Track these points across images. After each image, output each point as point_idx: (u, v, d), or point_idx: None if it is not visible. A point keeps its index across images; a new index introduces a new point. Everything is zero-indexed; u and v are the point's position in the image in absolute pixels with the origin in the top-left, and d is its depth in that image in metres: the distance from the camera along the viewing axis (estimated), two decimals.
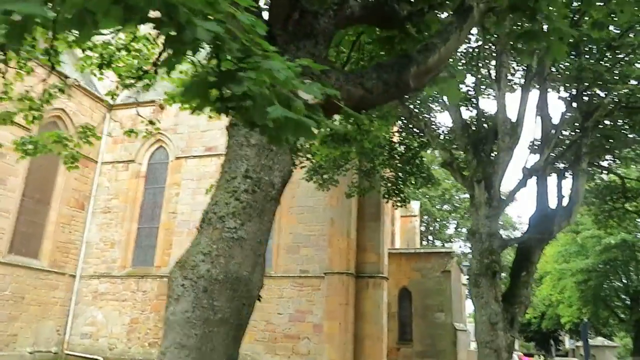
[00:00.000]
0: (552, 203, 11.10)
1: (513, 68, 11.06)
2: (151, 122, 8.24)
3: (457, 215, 33.42)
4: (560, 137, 12.30)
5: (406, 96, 10.65)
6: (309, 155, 10.79)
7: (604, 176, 15.35)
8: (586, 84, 9.72)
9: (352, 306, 16.19)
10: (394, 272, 19.25)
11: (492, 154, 10.48)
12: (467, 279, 10.58)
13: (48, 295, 18.42)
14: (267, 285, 14.39)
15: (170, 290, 3.51)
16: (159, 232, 19.44)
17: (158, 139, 20.43)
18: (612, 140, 11.74)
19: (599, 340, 17.52)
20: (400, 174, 13.70)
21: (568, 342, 50.90)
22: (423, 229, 35.98)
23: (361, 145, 8.23)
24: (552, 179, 11.94)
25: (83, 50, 6.84)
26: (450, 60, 4.84)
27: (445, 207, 33.75)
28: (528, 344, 62.83)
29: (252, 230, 3.48)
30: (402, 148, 14.70)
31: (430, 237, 34.95)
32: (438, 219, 33.65)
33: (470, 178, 10.39)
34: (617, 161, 14.08)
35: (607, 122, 11.36)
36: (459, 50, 12.75)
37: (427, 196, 31.21)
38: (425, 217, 33.85)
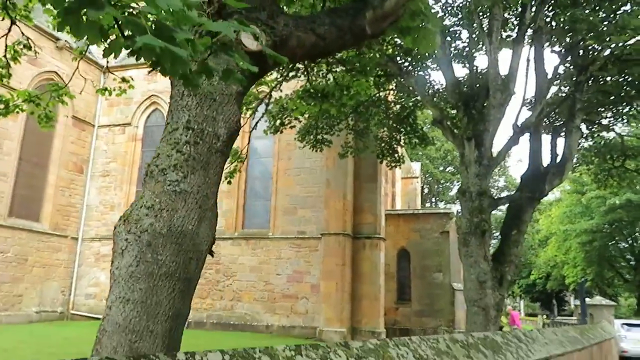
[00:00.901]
0: (546, 161, 10.89)
1: (506, 21, 10.65)
2: (124, 80, 8.05)
3: (457, 178, 33.18)
4: (554, 93, 12.00)
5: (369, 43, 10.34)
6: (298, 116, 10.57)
7: (605, 134, 15.01)
8: (580, 36, 9.34)
9: (349, 266, 16.28)
10: (393, 233, 19.27)
11: (483, 111, 10.21)
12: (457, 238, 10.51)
13: (51, 258, 18.71)
14: (265, 246, 14.59)
15: (114, 245, 3.45)
16: None
17: (153, 102, 20.27)
18: (611, 97, 11.37)
19: (597, 299, 17.53)
20: (394, 133, 13.47)
21: (573, 302, 51.34)
22: (426, 191, 35.89)
23: (341, 101, 8.02)
24: (547, 137, 11.69)
25: None
26: (425, 6, 4.57)
27: (449, 168, 33.46)
28: (534, 305, 63.56)
29: (196, 183, 3.38)
30: (398, 107, 14.45)
31: (433, 199, 34.85)
32: (441, 181, 33.44)
33: (461, 136, 10.18)
34: (617, 118, 13.73)
35: (604, 77, 11.00)
36: (455, 2, 12.36)
37: (429, 157, 30.92)
38: (429, 178, 33.70)
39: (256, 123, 9.44)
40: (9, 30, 5.83)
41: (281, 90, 9.83)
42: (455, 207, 23.98)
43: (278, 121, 11.28)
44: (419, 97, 12.94)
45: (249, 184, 18.78)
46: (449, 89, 10.84)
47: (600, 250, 37.57)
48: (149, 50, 1.65)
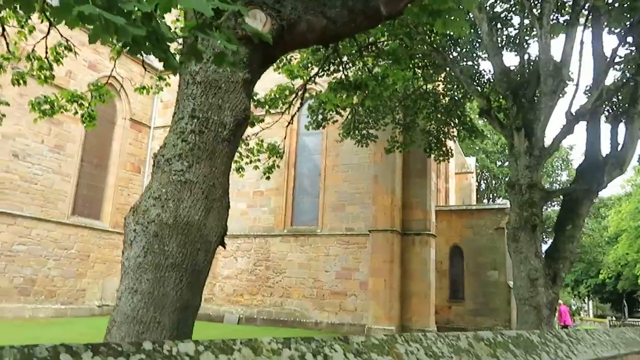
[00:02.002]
0: (606, 152, 10.15)
1: (559, 3, 10.01)
2: (161, 78, 8.21)
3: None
4: (617, 79, 11.19)
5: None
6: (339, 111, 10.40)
7: None
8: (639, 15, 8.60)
9: (398, 263, 15.96)
10: (445, 229, 18.73)
11: (534, 100, 9.65)
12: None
13: (112, 254, 19.57)
14: (313, 243, 14.58)
15: (125, 236, 3.46)
16: None
17: None
18: None
19: None
20: (442, 126, 13.03)
21: None
22: (483, 186, 34.68)
23: (375, 93, 7.78)
24: (606, 127, 10.88)
25: None
26: None
27: (507, 163, 32.13)
28: (604, 306, 60.06)
29: (202, 173, 3.33)
30: (447, 99, 13.98)
31: (490, 195, 33.61)
32: (498, 176, 32.16)
33: (510, 126, 9.68)
34: None
35: None
36: None
37: (486, 152, 29.83)
38: (485, 173, 32.53)
39: (292, 117, 9.39)
40: (48, 32, 6.06)
41: (322, 85, 9.73)
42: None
43: (320, 116, 11.18)
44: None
45: (298, 180, 18.83)
46: (498, 78, 10.32)
47: None
48: (91, 22, 1.58)
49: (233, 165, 9.99)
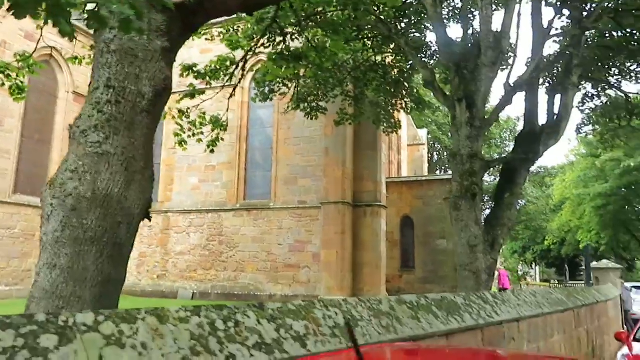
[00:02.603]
0: (543, 122, 10.54)
1: None
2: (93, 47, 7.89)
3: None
4: (556, 51, 11.55)
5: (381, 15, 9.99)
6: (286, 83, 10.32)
7: (612, 92, 14.49)
8: None
9: (350, 235, 16.22)
10: (396, 200, 19.11)
11: (475, 72, 9.85)
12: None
13: None
14: (266, 217, 14.53)
15: (42, 211, 3.37)
16: (160, 169, 19.56)
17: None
18: (612, 53, 10.89)
19: (603, 263, 17.27)
20: (389, 98, 13.15)
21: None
22: (436, 158, 35.42)
23: (316, 63, 7.76)
24: (545, 97, 11.27)
25: None
26: None
27: None
28: (550, 270, 63.22)
29: (121, 144, 3.26)
30: (396, 71, 14.07)
31: (443, 166, 34.40)
32: (450, 147, 32.89)
33: (452, 97, 9.87)
34: (624, 76, 13.20)
35: (601, 30, 10.50)
36: None
37: (437, 124, 30.38)
38: (437, 145, 33.19)
39: (234, 89, 9.25)
40: None
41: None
42: None
43: (267, 88, 11.06)
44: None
45: (250, 154, 18.69)
46: (441, 50, 10.47)
47: (615, 214, 36.95)
48: None
49: (175, 139, 9.91)
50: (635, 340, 6.67)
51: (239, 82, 8.75)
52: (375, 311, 3.38)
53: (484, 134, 9.87)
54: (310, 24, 6.62)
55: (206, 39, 9.67)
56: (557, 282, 38.19)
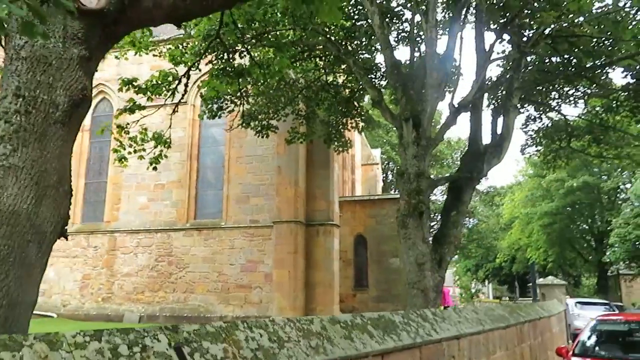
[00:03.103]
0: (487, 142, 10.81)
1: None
2: None
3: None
4: (500, 74, 11.93)
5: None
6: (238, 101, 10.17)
7: (552, 115, 15.10)
8: (513, 13, 9.22)
9: (302, 254, 16.06)
10: (349, 219, 19.13)
11: (422, 92, 10.04)
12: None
13: None
14: (217, 236, 14.10)
15: None
16: (107, 187, 18.92)
17: (101, 91, 19.52)
18: (550, 77, 11.35)
19: (549, 279, 17.80)
20: (339, 117, 13.23)
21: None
22: (391, 177, 35.89)
23: (259, 80, 7.69)
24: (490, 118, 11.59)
25: None
26: None
27: None
28: (502, 287, 64.74)
29: (30, 157, 3.04)
30: (347, 91, 14.20)
31: (396, 186, 34.92)
32: None
33: (399, 117, 9.99)
34: (564, 99, 13.80)
35: (539, 55, 10.95)
36: None
37: (391, 144, 30.87)
38: (391, 165, 33.66)
39: (176, 106, 9.05)
40: None
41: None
42: None
43: (214, 105, 10.90)
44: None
45: (201, 173, 18.34)
46: (389, 70, 10.62)
47: (561, 232, 38.35)
48: None
49: (114, 155, 9.52)
50: (574, 355, 6.78)
51: (182, 98, 8.56)
52: (305, 331, 3.26)
53: (430, 152, 10.01)
54: (253, 41, 6.55)
55: (154, 55, 9.46)
56: (508, 298, 39.07)
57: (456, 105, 9.63)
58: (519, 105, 11.75)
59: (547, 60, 12.23)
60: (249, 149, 17.43)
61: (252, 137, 15.98)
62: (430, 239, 10.07)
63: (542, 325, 9.20)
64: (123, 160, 8.69)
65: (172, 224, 17.74)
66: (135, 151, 8.88)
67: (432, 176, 10.53)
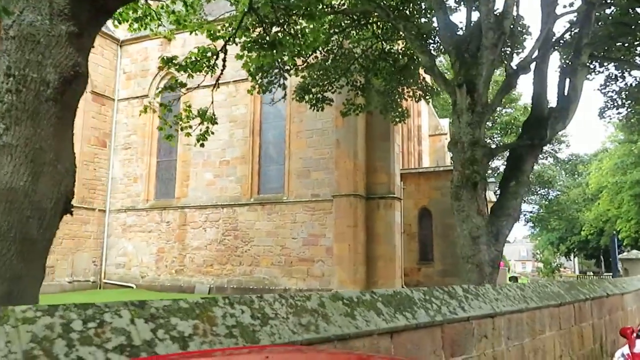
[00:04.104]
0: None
1: None
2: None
3: (495, 132, 31.60)
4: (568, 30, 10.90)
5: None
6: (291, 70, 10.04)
7: (638, 73, 13.63)
8: None
9: (363, 228, 15.91)
10: (413, 192, 18.65)
11: (477, 55, 9.36)
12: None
13: (80, 230, 19.43)
14: (280, 211, 14.38)
15: None
16: (177, 165, 19.73)
17: (168, 72, 20.17)
18: (628, 30, 10.17)
19: (633, 253, 16.37)
20: (394, 85, 12.74)
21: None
22: None
23: (294, 50, 7.48)
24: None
25: None
26: None
27: (487, 123, 31.92)
28: (588, 262, 61.00)
29: (24, 135, 3.11)
30: (405, 59, 13.63)
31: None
32: None
33: (452, 83, 9.43)
34: None
35: (621, 7, 9.82)
36: None
37: None
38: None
39: (217, 80, 9.07)
40: None
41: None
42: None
43: (264, 80, 10.86)
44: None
45: (263, 148, 18.59)
46: (442, 33, 10.02)
47: None
48: None
49: (151, 131, 9.67)
50: (638, 337, 6.15)
51: (221, 74, 8.59)
52: (298, 308, 3.13)
53: (486, 119, 9.39)
54: (284, 11, 6.37)
55: (191, 33, 9.45)
56: (592, 273, 36.69)
57: (514, 67, 8.90)
58: (589, 63, 10.69)
59: (628, 11, 10.96)
60: (309, 123, 17.37)
61: (311, 111, 15.92)
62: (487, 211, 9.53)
63: (611, 303, 8.46)
64: (170, 137, 8.92)
65: (237, 199, 18.21)
66: (182, 129, 9.07)
67: (492, 145, 9.91)
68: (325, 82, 12.98)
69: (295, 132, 17.65)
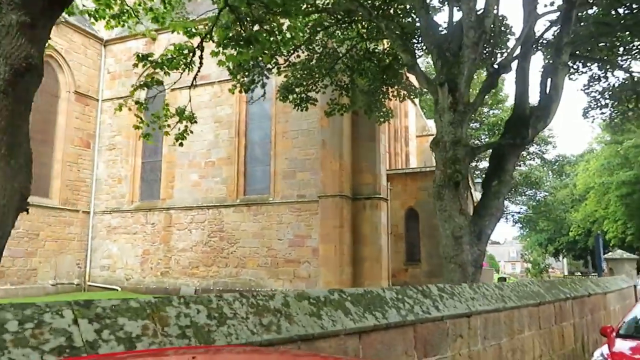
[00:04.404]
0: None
1: None
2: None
3: (483, 132, 31.70)
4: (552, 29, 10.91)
5: None
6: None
7: (620, 73, 13.68)
8: None
9: (349, 229, 15.83)
10: (400, 193, 18.59)
11: (459, 54, 9.33)
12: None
13: (64, 232, 19.16)
14: (266, 212, 14.19)
15: None
16: (162, 166, 19.54)
17: (154, 72, 19.96)
18: (609, 29, 10.19)
19: (618, 253, 16.44)
20: (378, 85, 12.68)
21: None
22: None
23: (271, 47, 7.38)
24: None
25: None
26: None
27: (475, 125, 32.00)
28: (577, 262, 61.38)
29: None
30: (390, 59, 13.58)
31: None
32: None
33: (435, 82, 9.39)
34: (630, 55, 12.45)
35: (602, 7, 9.84)
36: None
37: None
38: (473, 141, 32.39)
39: (194, 79, 8.95)
40: None
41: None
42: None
43: (247, 78, 10.75)
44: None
45: (249, 149, 18.46)
46: (424, 33, 9.99)
47: None
48: None
49: (136, 132, 9.49)
50: (618, 335, 6.11)
51: (198, 71, 8.48)
52: (260, 308, 3.02)
53: (468, 119, 9.35)
54: (260, 6, 6.28)
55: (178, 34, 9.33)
56: (580, 273, 36.90)
57: (495, 66, 8.86)
58: (572, 64, 10.71)
59: (609, 12, 10.99)
60: (295, 124, 17.27)
61: (297, 111, 15.83)
62: (470, 210, 9.49)
63: (593, 302, 8.44)
64: (148, 136, 8.77)
65: (223, 200, 18.06)
66: (160, 127, 8.93)
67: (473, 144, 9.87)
68: (310, 82, 12.90)
69: (281, 133, 17.54)
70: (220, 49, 7.22)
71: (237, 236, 17.60)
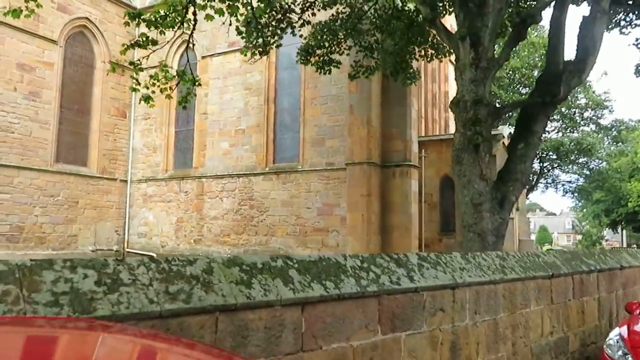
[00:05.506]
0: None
1: None
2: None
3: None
4: None
5: None
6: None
7: None
8: None
9: (377, 197, 15.32)
10: (435, 160, 17.82)
11: (483, 5, 8.49)
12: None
13: (102, 199, 19.71)
14: (295, 180, 13.97)
15: None
16: (194, 134, 19.59)
17: (184, 40, 19.84)
18: None
19: None
20: (404, 45, 11.91)
21: None
22: None
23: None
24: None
25: None
26: None
27: (521, 89, 30.20)
28: (638, 234, 58.02)
29: None
30: (420, 18, 12.72)
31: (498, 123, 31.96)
32: (507, 102, 30.29)
33: (455, 36, 8.63)
34: None
35: None
36: None
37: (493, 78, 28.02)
38: (495, 100, 30.77)
39: (190, 36, 8.58)
40: None
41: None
42: (509, 129, 21.33)
43: (259, 39, 10.32)
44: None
45: (279, 116, 18.13)
46: None
47: None
48: None
49: (136, 95, 9.21)
50: None
51: (194, 29, 8.12)
52: (171, 274, 2.68)
53: (492, 76, 8.56)
54: None
55: None
56: (635, 246, 34.79)
57: (520, 16, 8.00)
58: (623, 15, 9.62)
59: None
60: (324, 89, 16.74)
61: (326, 76, 15.27)
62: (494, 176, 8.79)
63: (627, 275, 7.66)
64: (149, 100, 8.57)
65: (253, 169, 17.93)
66: (162, 91, 8.70)
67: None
68: (333, 43, 12.30)
69: (310, 99, 17.07)
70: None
71: (266, 204, 17.49)
